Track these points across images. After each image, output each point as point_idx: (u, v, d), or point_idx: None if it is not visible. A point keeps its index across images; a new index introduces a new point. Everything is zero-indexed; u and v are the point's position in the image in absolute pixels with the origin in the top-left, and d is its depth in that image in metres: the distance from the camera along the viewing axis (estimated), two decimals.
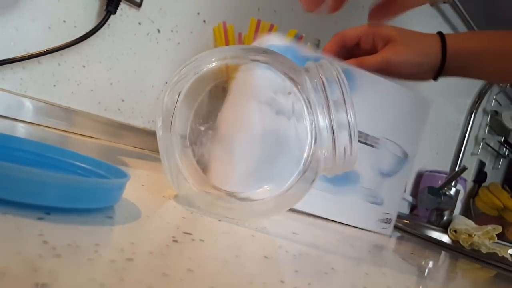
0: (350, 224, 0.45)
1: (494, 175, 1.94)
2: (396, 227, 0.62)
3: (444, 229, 0.72)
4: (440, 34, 0.51)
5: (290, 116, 0.27)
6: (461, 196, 0.96)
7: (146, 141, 0.67)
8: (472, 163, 1.69)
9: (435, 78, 0.53)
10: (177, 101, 0.27)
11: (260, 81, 0.29)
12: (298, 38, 0.71)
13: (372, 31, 0.50)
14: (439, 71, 0.51)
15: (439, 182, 0.96)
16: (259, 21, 0.71)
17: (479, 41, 0.51)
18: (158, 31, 0.67)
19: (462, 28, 1.35)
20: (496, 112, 1.75)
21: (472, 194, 1.43)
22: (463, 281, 0.38)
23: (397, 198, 0.49)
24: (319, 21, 0.92)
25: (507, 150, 1.95)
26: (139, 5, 0.63)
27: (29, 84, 0.54)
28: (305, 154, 0.26)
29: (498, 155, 1.96)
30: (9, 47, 0.52)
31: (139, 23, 0.64)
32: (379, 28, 0.50)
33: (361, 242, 0.39)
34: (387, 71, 0.49)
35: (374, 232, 0.47)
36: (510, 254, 0.53)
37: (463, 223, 0.67)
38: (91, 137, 0.60)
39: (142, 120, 0.68)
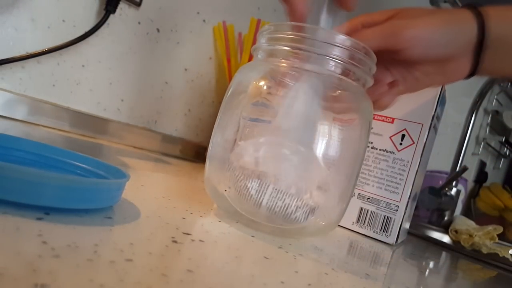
0: (347, 226, 0.45)
1: (495, 175, 1.94)
2: None
3: (445, 229, 0.72)
4: (469, 6, 0.33)
5: None
6: (462, 197, 0.95)
7: (145, 141, 0.67)
8: (473, 163, 1.69)
9: (471, 72, 0.34)
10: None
11: None
12: None
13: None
14: (476, 55, 0.33)
15: (440, 182, 0.96)
16: (259, 21, 0.71)
17: None
18: (158, 30, 0.67)
19: None
20: (497, 112, 1.74)
21: (473, 194, 1.43)
22: (464, 281, 0.38)
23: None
24: None
25: (508, 150, 1.95)
26: (138, 4, 0.63)
27: (28, 84, 0.54)
28: None
29: (499, 155, 1.96)
30: (8, 46, 0.52)
31: (139, 23, 0.64)
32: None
33: (361, 243, 0.39)
34: (395, 52, 0.31)
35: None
36: (511, 254, 0.53)
37: (464, 224, 0.67)
38: (90, 137, 0.60)
39: (142, 120, 0.68)
